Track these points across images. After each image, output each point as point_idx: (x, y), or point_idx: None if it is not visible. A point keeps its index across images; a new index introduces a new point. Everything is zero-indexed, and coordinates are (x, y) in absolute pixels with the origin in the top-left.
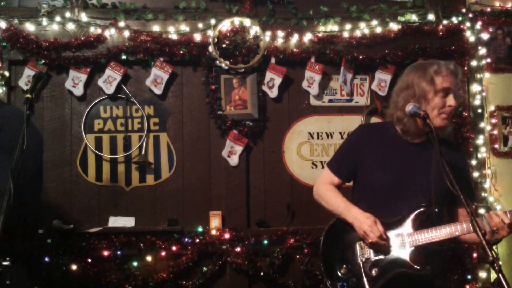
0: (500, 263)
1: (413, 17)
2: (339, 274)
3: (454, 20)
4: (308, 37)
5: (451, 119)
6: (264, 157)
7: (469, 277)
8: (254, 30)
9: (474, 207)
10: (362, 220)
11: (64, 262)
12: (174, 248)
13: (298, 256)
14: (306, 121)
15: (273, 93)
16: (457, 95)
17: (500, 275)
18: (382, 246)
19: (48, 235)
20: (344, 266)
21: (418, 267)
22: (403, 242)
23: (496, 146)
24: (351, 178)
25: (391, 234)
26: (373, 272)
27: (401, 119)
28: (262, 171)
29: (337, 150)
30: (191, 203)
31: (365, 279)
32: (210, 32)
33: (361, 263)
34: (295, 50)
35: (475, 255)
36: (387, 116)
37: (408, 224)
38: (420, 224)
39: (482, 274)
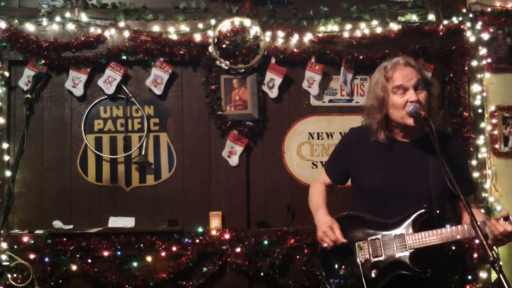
0: (501, 263)
1: (413, 17)
2: (338, 274)
3: (455, 20)
4: (308, 37)
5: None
6: (264, 157)
7: (469, 277)
8: (254, 30)
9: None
10: (320, 224)
11: (64, 262)
12: (174, 248)
13: (298, 257)
14: (306, 121)
15: (273, 93)
16: (418, 87)
17: (500, 275)
18: (342, 251)
19: (48, 235)
20: (343, 266)
21: (419, 270)
22: (403, 243)
23: (497, 146)
24: (345, 181)
25: (390, 235)
26: (373, 273)
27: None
28: (262, 171)
29: (331, 152)
30: (191, 203)
31: (364, 281)
32: (210, 32)
33: (360, 264)
34: (295, 50)
35: (475, 255)
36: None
37: (408, 225)
38: (421, 226)
39: (483, 275)
